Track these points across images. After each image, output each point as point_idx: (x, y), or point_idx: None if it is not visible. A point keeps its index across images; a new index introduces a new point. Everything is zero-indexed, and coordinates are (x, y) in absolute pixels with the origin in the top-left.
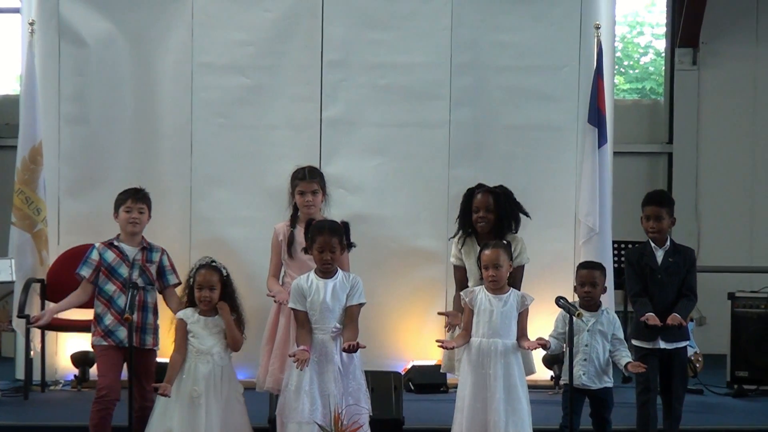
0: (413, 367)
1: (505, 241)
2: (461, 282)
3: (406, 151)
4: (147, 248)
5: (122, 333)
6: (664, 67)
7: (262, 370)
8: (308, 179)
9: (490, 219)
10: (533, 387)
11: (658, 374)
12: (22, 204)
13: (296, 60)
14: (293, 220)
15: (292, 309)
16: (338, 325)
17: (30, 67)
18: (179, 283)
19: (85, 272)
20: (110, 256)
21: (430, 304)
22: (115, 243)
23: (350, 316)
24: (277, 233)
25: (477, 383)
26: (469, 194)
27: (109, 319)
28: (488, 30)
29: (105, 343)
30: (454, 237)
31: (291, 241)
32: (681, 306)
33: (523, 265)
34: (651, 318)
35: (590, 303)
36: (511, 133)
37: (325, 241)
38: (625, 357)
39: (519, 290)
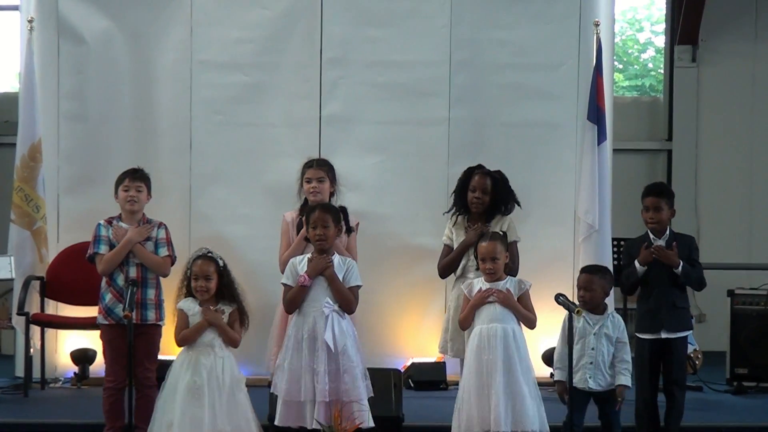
0: (413, 364)
1: (501, 232)
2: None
3: (405, 149)
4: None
5: (121, 310)
6: (663, 65)
7: (272, 356)
8: (315, 167)
9: (485, 201)
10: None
11: (658, 372)
12: (22, 201)
13: (295, 57)
14: (302, 209)
15: (284, 285)
16: (329, 301)
17: (29, 64)
18: (170, 256)
19: (104, 250)
20: (112, 234)
21: (430, 302)
22: (116, 222)
23: None
24: (286, 219)
25: (479, 370)
26: (468, 173)
27: (108, 297)
28: (487, 27)
29: (106, 322)
30: (448, 212)
31: (300, 228)
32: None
33: (516, 242)
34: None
35: (589, 307)
36: (510, 131)
37: (318, 216)
38: (622, 376)
39: (517, 266)
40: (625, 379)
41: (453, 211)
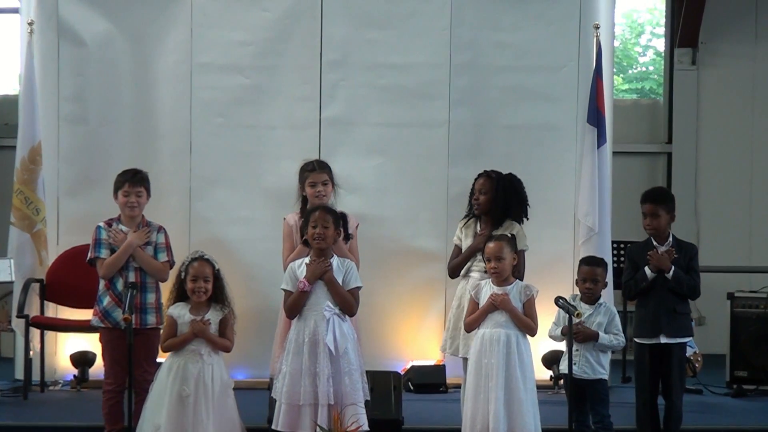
0: (412, 367)
1: (509, 234)
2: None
3: (406, 151)
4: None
5: (119, 314)
6: (663, 67)
7: (276, 360)
8: (318, 170)
9: (482, 201)
10: None
11: (658, 375)
12: (22, 204)
13: (295, 60)
14: (303, 212)
15: (284, 290)
16: (330, 305)
17: (29, 67)
18: (169, 262)
19: (105, 254)
20: (111, 237)
21: (430, 304)
22: (115, 225)
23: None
24: (289, 222)
25: (478, 372)
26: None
27: (107, 300)
28: (487, 30)
29: (103, 325)
30: (463, 218)
31: (303, 230)
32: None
33: (523, 251)
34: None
35: (591, 298)
36: (510, 133)
37: (319, 216)
38: (605, 337)
39: (522, 276)
40: (604, 336)
41: (466, 216)
